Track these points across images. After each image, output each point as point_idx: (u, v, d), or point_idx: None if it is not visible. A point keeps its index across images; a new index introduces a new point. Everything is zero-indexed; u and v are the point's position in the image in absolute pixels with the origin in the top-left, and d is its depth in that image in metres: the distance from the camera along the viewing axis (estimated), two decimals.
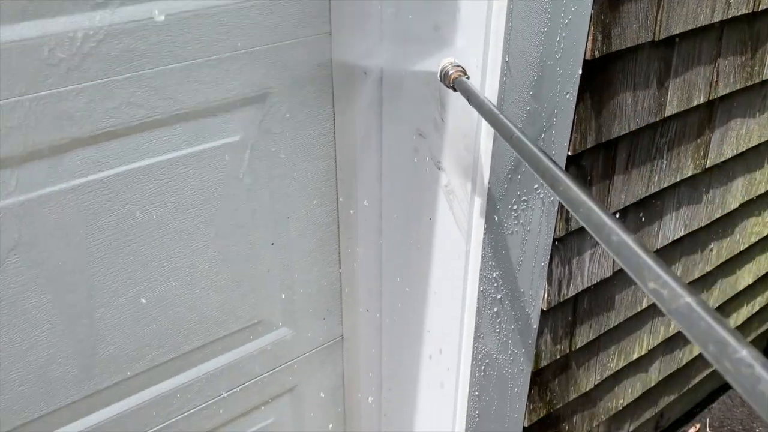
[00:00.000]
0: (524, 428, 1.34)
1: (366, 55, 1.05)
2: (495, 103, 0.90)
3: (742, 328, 1.96)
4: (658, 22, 1.03)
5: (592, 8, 0.92)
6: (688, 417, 2.13)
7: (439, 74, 0.90)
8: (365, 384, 1.43)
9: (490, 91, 0.89)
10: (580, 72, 0.96)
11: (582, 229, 1.17)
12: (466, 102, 0.92)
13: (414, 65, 0.98)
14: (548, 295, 1.18)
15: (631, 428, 1.79)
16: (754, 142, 1.42)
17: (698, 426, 2.11)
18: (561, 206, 1.09)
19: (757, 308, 1.94)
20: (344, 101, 1.10)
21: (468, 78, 0.87)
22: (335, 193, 1.20)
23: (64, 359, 1.00)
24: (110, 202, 0.95)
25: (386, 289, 1.26)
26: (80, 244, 0.94)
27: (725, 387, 2.23)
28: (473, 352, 1.13)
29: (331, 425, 1.48)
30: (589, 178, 1.12)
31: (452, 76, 0.87)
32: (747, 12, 1.17)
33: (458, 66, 0.88)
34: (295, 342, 1.29)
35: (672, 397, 1.86)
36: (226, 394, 1.23)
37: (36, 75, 0.82)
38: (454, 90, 0.87)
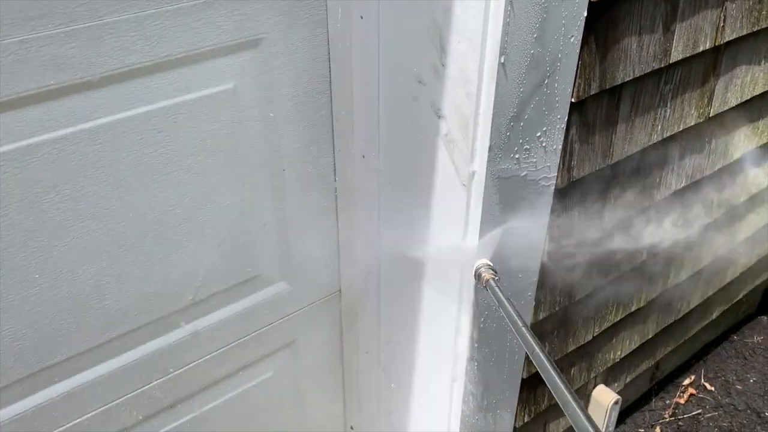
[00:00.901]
0: (523, 380, 1.34)
1: None
2: (499, 53, 0.86)
3: (738, 283, 1.96)
4: None
5: None
6: (683, 368, 2.15)
7: (474, 273, 1.05)
8: (363, 337, 1.43)
9: (493, 34, 0.86)
10: (585, 14, 0.93)
11: (583, 179, 1.15)
12: (467, 44, 0.89)
13: (413, 9, 0.95)
14: (547, 249, 1.17)
15: (628, 379, 1.80)
16: (758, 90, 1.39)
17: (693, 377, 2.13)
18: (563, 154, 1.06)
19: (754, 261, 1.94)
20: (340, 47, 1.07)
21: (498, 279, 1.01)
22: (332, 145, 1.17)
23: (64, 312, 0.99)
24: (101, 153, 0.92)
25: (384, 239, 1.24)
26: (71, 195, 0.92)
27: (719, 339, 2.25)
28: (473, 303, 1.12)
29: (329, 379, 1.48)
30: (592, 125, 1.09)
31: (484, 278, 1.02)
32: None
33: (491, 269, 1.03)
34: (293, 296, 1.28)
35: (668, 349, 1.87)
36: (225, 348, 1.22)
37: (18, 16, 0.78)
38: (486, 289, 1.02)
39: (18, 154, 0.85)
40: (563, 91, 0.98)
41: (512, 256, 1.10)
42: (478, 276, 1.03)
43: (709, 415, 2.00)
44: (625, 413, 2.00)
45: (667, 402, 2.05)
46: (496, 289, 0.97)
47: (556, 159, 1.05)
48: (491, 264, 1.03)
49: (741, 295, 2.05)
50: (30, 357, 0.99)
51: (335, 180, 1.21)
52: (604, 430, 1.62)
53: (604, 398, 1.59)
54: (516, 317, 0.91)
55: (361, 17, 1.03)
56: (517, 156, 0.99)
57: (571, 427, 0.93)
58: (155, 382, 1.16)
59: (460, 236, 1.05)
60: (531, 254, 1.14)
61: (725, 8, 1.16)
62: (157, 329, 1.12)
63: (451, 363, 1.23)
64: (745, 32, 1.23)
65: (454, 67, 0.93)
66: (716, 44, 1.19)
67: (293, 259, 1.24)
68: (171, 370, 1.16)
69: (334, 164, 1.19)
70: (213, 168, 1.04)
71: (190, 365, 1.19)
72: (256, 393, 1.33)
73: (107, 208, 0.96)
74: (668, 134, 1.24)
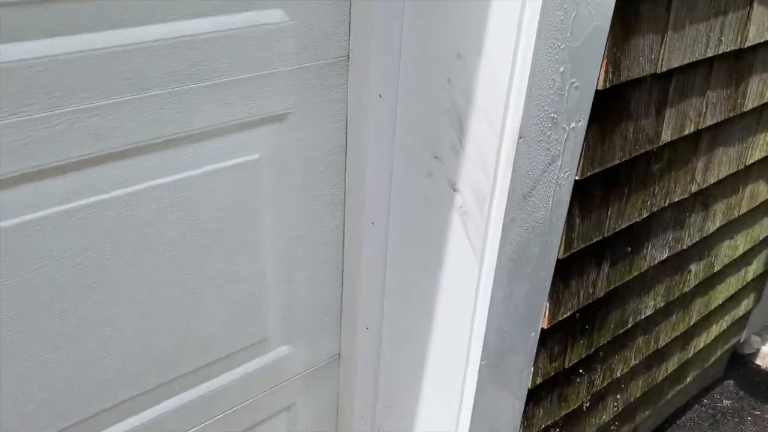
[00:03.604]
0: None
1: (382, 79, 1.07)
2: (518, 135, 0.93)
3: (709, 348, 2.04)
4: (661, 56, 1.09)
5: (606, 41, 0.97)
6: None
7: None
8: (359, 402, 1.44)
9: (512, 117, 0.93)
10: (592, 101, 1.01)
11: (582, 251, 1.21)
12: (487, 126, 0.96)
13: (433, 90, 1.01)
14: (550, 312, 1.22)
15: None
16: (732, 170, 1.50)
17: None
18: (567, 224, 1.13)
19: (725, 327, 2.03)
20: (357, 123, 1.12)
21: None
22: (343, 212, 1.21)
23: (77, 375, 0.98)
24: (130, 219, 0.94)
25: (388, 307, 1.28)
26: (97, 260, 0.93)
27: (690, 403, 2.32)
28: (477, 380, 1.15)
29: None
30: (591, 202, 1.17)
31: None
32: (735, 48, 1.24)
33: None
34: (295, 359, 1.30)
35: (646, 413, 1.92)
36: (230, 411, 1.22)
37: (72, 88, 0.81)
38: None
39: (55, 218, 0.87)
40: (570, 170, 1.06)
41: (515, 325, 1.15)
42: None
43: None
44: None
45: None
46: None
47: (559, 233, 1.12)
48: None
49: (712, 360, 2.13)
50: (42, 420, 0.98)
51: (343, 246, 1.25)
52: None
53: None
54: None
55: (380, 96, 1.09)
56: (526, 228, 1.05)
57: None
58: None
59: (470, 304, 1.09)
60: (532, 322, 1.19)
61: (707, 96, 1.27)
62: (165, 392, 1.12)
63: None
64: (722, 117, 1.34)
65: (472, 146, 0.99)
66: (699, 128, 1.29)
67: (297, 323, 1.26)
68: None
69: (344, 231, 1.23)
70: (232, 234, 1.07)
71: (196, 428, 1.18)
72: None
73: (129, 273, 0.97)
74: (655, 209, 1.33)
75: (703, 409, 2.33)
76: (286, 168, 1.08)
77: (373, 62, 1.07)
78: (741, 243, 1.78)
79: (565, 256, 1.17)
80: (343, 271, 1.28)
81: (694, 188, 1.41)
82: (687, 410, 2.31)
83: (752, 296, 2.11)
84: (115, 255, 0.95)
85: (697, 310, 1.78)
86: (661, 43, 1.08)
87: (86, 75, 0.81)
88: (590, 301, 1.32)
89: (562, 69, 0.93)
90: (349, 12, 1.03)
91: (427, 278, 1.17)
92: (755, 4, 1.24)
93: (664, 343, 1.71)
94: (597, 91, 1.01)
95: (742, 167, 1.53)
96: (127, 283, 0.98)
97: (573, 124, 1.00)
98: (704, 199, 1.49)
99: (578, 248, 1.19)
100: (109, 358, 1.01)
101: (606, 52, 0.99)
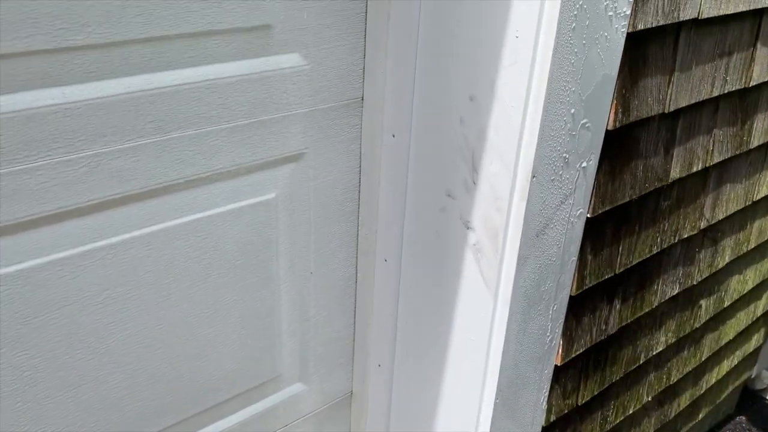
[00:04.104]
0: None
1: (395, 120, 1.10)
2: (531, 174, 0.95)
3: (721, 384, 2.03)
4: (669, 96, 1.11)
5: (616, 82, 0.99)
6: None
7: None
8: None
9: (525, 156, 0.95)
10: (603, 140, 1.03)
11: (595, 287, 1.22)
12: (500, 165, 0.98)
13: (445, 130, 1.04)
14: (563, 349, 1.22)
15: None
16: (740, 206, 1.51)
17: None
18: (579, 261, 1.14)
19: (736, 362, 2.02)
20: (371, 162, 1.15)
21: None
22: (356, 249, 1.23)
23: (97, 414, 0.99)
24: (150, 258, 0.96)
25: (400, 344, 1.28)
26: (117, 299, 0.94)
27: None
28: (492, 418, 1.15)
29: None
30: (602, 239, 1.18)
31: None
32: (740, 87, 1.27)
33: None
34: (308, 397, 1.30)
35: None
36: None
37: (96, 132, 0.83)
38: None
39: (76, 259, 0.88)
40: (581, 208, 1.07)
41: (529, 362, 1.15)
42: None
43: None
44: None
45: None
46: None
47: (572, 270, 1.13)
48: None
49: (724, 396, 2.11)
50: None
51: (356, 282, 1.26)
52: None
53: None
54: None
55: (393, 135, 1.11)
56: (540, 265, 1.06)
57: None
58: None
59: (485, 341, 1.10)
60: (546, 358, 1.19)
61: (714, 134, 1.29)
62: (183, 430, 1.12)
63: None
64: (729, 155, 1.36)
65: (485, 185, 1.01)
66: (706, 165, 1.31)
67: (311, 360, 1.26)
68: None
69: (356, 268, 1.25)
70: (249, 271, 1.08)
71: None
72: None
73: (148, 312, 0.99)
74: (665, 246, 1.34)
75: None
76: (301, 206, 1.10)
77: (386, 104, 1.10)
78: (750, 278, 1.78)
79: (578, 292, 1.18)
80: (355, 307, 1.29)
81: (703, 224, 1.42)
82: None
83: (762, 331, 2.10)
84: (135, 294, 0.96)
85: (708, 346, 1.77)
86: (669, 84, 1.10)
87: (110, 119, 0.84)
88: (603, 337, 1.32)
89: (573, 111, 0.95)
90: (363, 55, 1.06)
91: (440, 315, 1.17)
92: (758, 45, 1.27)
93: (676, 379, 1.70)
94: (607, 131, 1.03)
95: (750, 203, 1.54)
96: (147, 321, 0.99)
97: (584, 164, 1.02)
98: (713, 234, 1.50)
99: (590, 285, 1.20)
100: (129, 397, 1.02)
101: (615, 94, 1.01)
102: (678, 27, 1.08)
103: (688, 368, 1.74)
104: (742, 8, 1.16)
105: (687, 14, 1.06)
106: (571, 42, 0.89)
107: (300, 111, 1.02)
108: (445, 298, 1.15)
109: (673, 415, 1.82)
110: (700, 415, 2.03)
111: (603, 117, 1.01)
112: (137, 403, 1.03)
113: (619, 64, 0.97)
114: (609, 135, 1.05)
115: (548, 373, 1.22)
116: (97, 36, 0.79)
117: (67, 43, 0.77)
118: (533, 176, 0.96)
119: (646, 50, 1.05)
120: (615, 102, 1.02)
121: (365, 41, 1.05)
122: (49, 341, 0.90)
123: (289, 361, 1.23)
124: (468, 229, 1.06)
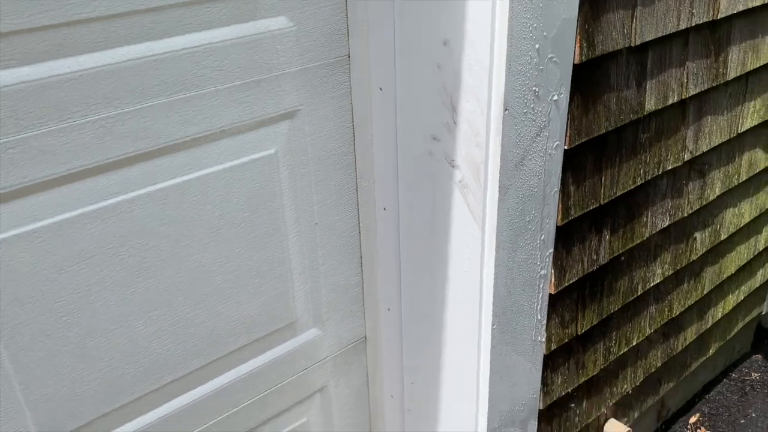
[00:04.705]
0: (539, 411, 1.44)
1: (381, 73, 1.19)
2: (503, 107, 1.04)
3: (729, 319, 2.09)
4: (633, 30, 1.19)
5: (578, 18, 1.07)
6: (687, 408, 2.24)
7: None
8: (388, 381, 1.53)
9: (496, 91, 1.03)
10: (571, 74, 1.11)
11: (581, 218, 1.30)
12: (475, 103, 1.07)
13: (426, 77, 1.13)
14: (555, 278, 1.31)
15: (635, 416, 1.90)
16: (725, 138, 1.58)
17: (698, 415, 2.22)
18: (562, 192, 1.22)
19: (742, 297, 2.08)
20: (362, 115, 1.24)
21: None
22: (356, 200, 1.32)
23: (128, 358, 1.10)
24: (166, 211, 1.06)
25: (405, 286, 1.38)
26: (139, 250, 1.06)
27: (719, 378, 2.36)
28: (491, 344, 1.24)
29: (357, 423, 1.57)
30: (583, 171, 1.26)
31: None
32: (708, 20, 1.34)
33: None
34: (324, 342, 1.40)
35: (671, 385, 1.98)
36: (265, 393, 1.33)
37: (108, 96, 0.94)
38: None
39: (101, 212, 0.99)
40: (558, 140, 1.15)
41: (521, 289, 1.24)
42: None
43: None
44: None
45: None
46: None
47: (555, 201, 1.21)
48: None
49: (734, 332, 2.17)
50: (95, 403, 1.09)
51: (359, 231, 1.36)
52: None
53: (617, 430, 1.69)
54: None
55: (381, 89, 1.21)
56: (522, 196, 1.15)
57: None
58: (203, 426, 1.25)
59: (477, 271, 1.19)
60: (538, 286, 1.28)
61: (686, 67, 1.36)
62: (206, 374, 1.23)
63: (474, 408, 1.34)
64: (706, 87, 1.42)
65: (464, 123, 1.10)
66: (683, 98, 1.38)
67: (323, 307, 1.37)
68: (209, 418, 1.26)
69: (358, 217, 1.34)
70: (257, 223, 1.18)
71: (229, 413, 1.28)
72: None
73: (167, 262, 1.10)
74: (650, 177, 1.41)
75: (731, 382, 2.36)
76: (300, 161, 1.20)
77: (371, 59, 1.19)
78: (746, 211, 1.84)
79: (564, 223, 1.27)
80: (361, 255, 1.39)
81: (686, 156, 1.49)
82: (716, 384, 2.35)
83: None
84: (153, 245, 1.07)
85: (709, 279, 1.84)
86: (632, 18, 1.18)
87: (120, 84, 0.95)
88: (595, 267, 1.40)
89: (537, 46, 1.03)
90: (346, 15, 1.15)
91: (436, 252, 1.27)
92: None
93: (678, 312, 1.77)
94: (575, 65, 1.11)
95: (734, 135, 1.61)
96: (166, 271, 1.10)
97: (555, 96, 1.10)
98: (699, 167, 1.57)
99: (576, 215, 1.28)
100: (157, 342, 1.13)
101: (578, 29, 1.09)
102: None
103: (690, 301, 1.80)
104: None
105: None
106: None
107: (291, 70, 1.12)
108: (440, 236, 1.24)
109: (680, 348, 1.89)
110: (710, 351, 2.09)
111: (569, 51, 1.09)
112: (165, 347, 1.15)
113: (578, 1, 1.05)
114: (578, 69, 1.13)
115: (542, 300, 1.30)
116: (104, 9, 0.90)
117: (77, 16, 0.88)
118: (505, 109, 1.04)
119: None
120: (579, 36, 1.10)
121: (346, 1, 1.14)
122: (79, 290, 1.01)
123: (303, 308, 1.33)
124: (453, 167, 1.15)
